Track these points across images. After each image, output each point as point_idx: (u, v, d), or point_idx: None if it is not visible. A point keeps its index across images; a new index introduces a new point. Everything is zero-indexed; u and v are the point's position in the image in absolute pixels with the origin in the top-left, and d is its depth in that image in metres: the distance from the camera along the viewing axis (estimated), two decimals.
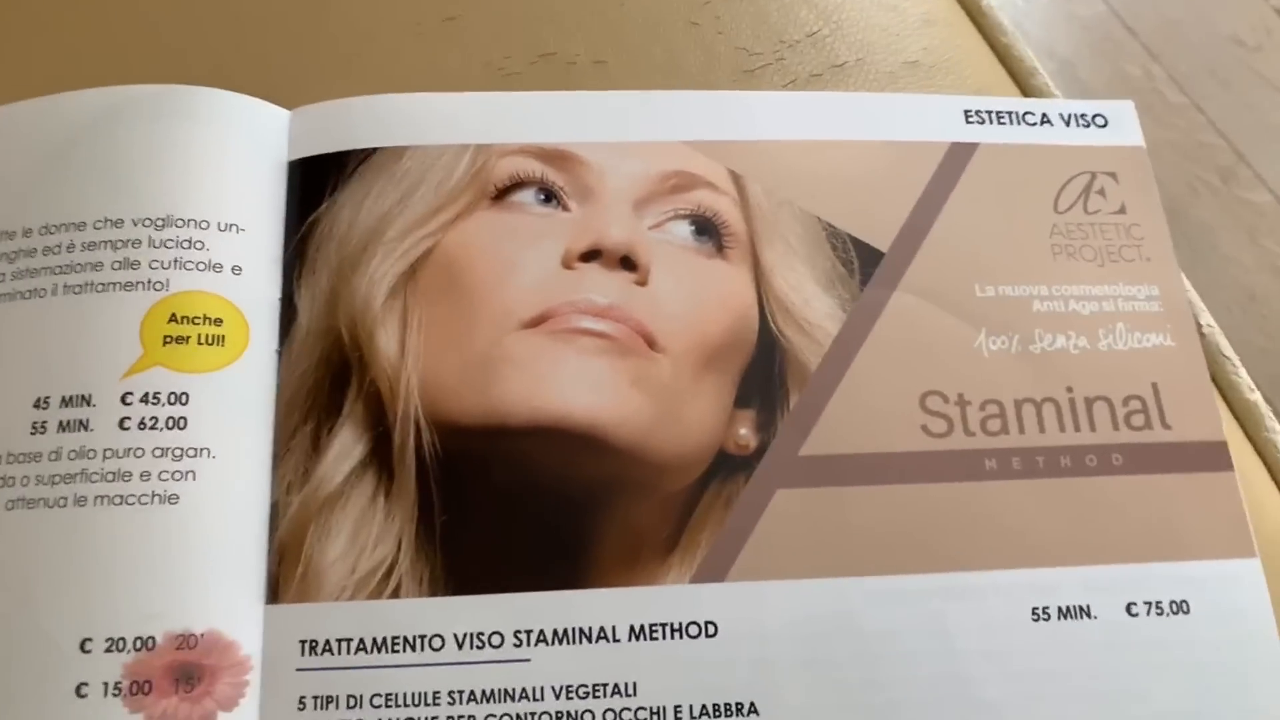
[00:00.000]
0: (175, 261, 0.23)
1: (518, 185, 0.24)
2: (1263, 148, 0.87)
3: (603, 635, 0.21)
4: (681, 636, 0.21)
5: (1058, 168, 0.25)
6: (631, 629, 0.21)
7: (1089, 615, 0.22)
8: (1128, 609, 0.22)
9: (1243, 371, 0.26)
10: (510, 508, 0.22)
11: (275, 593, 0.21)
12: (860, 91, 0.26)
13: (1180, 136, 0.88)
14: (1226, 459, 0.23)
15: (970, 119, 0.26)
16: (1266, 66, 0.90)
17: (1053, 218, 0.25)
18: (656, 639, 0.21)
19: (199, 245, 0.23)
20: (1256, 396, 0.26)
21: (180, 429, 0.22)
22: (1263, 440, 0.25)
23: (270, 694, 0.20)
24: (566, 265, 0.23)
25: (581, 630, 0.21)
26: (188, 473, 0.21)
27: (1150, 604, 0.22)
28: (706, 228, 0.24)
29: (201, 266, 0.23)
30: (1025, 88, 0.28)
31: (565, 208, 0.24)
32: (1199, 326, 0.26)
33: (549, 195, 0.24)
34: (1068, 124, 0.26)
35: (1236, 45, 0.92)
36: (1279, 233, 0.85)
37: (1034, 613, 0.22)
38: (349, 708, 0.20)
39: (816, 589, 0.21)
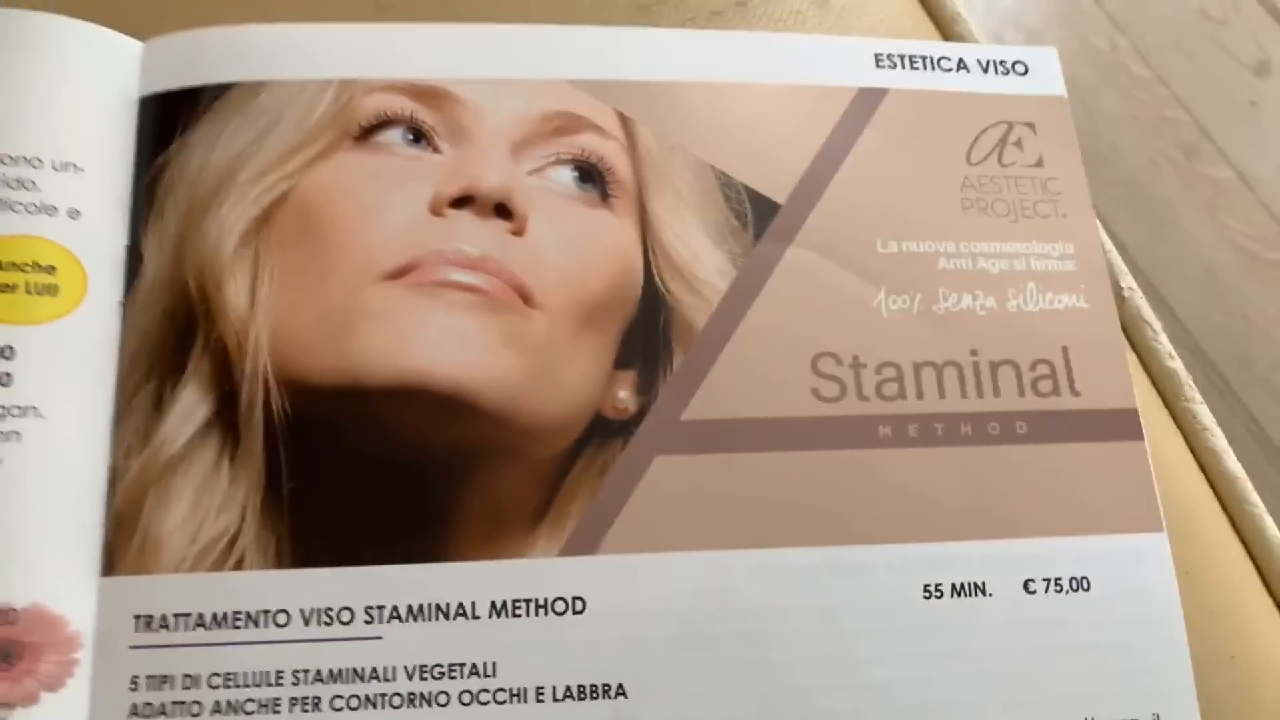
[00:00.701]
0: (2, 203, 0.21)
1: (384, 124, 0.22)
2: (1226, 123, 0.87)
3: (461, 612, 0.20)
4: (547, 613, 0.20)
5: (972, 117, 0.24)
6: (493, 605, 0.20)
7: (984, 593, 0.20)
8: (1025, 586, 0.20)
9: (1163, 338, 0.25)
10: (365, 474, 0.20)
11: (110, 564, 0.20)
12: (763, 31, 0.25)
13: (1144, 110, 0.87)
14: (1137, 428, 0.22)
15: (881, 63, 0.24)
16: (1232, 41, 0.89)
17: (964, 170, 0.23)
18: (519, 616, 0.20)
19: (30, 185, 0.21)
20: (1176, 363, 0.24)
21: (4, 386, 0.20)
22: (1181, 409, 0.24)
23: (101, 673, 0.19)
24: (435, 212, 0.21)
25: (438, 606, 0.20)
26: (12, 434, 0.20)
27: (1049, 581, 0.20)
28: (591, 174, 0.22)
29: (33, 209, 0.21)
30: (948, 34, 0.27)
31: (436, 149, 0.22)
32: (1120, 289, 0.24)
33: (418, 135, 0.22)
34: (985, 70, 0.24)
35: (1203, 19, 0.90)
36: (1240, 210, 0.84)
37: (926, 590, 0.20)
38: (184, 688, 0.19)
39: (695, 562, 0.20)
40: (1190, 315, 0.81)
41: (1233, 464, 0.24)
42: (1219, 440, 0.24)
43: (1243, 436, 0.77)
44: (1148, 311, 0.25)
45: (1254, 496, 0.24)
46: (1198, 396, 0.24)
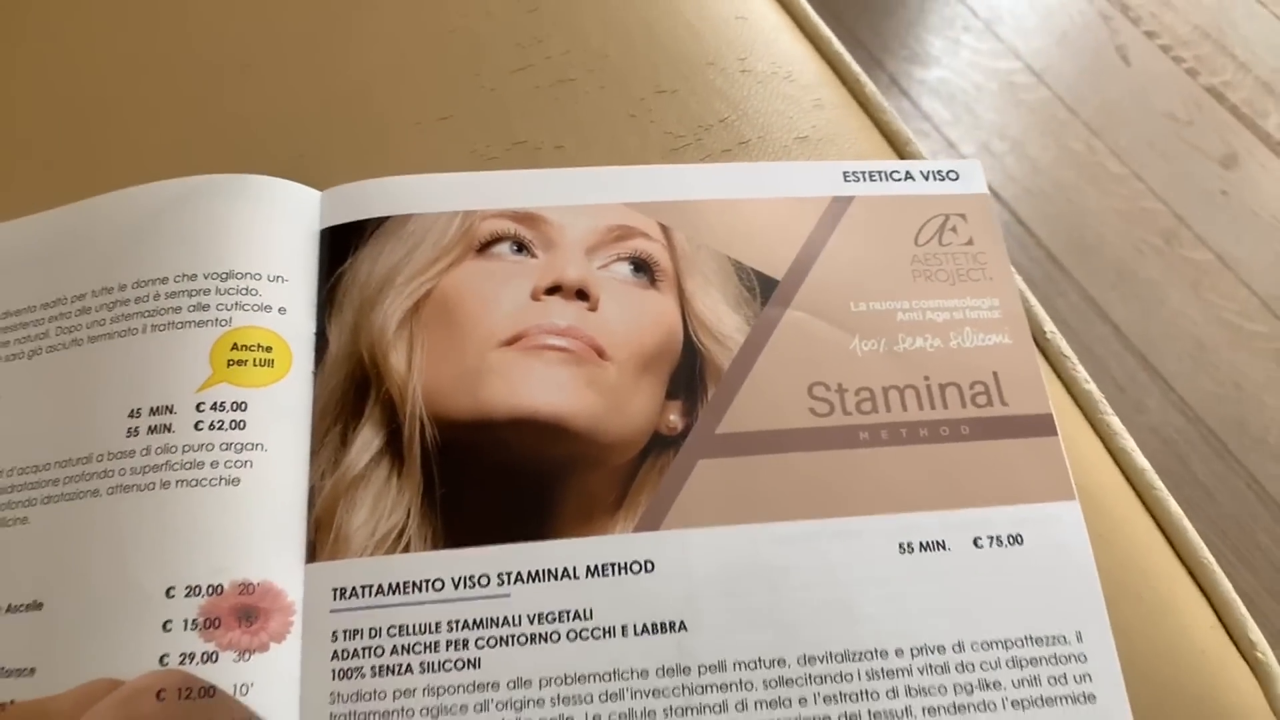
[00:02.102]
0: (236, 304, 0.29)
1: (497, 240, 0.31)
2: (1200, 211, 0.94)
3: (566, 574, 0.26)
4: (626, 573, 0.26)
5: (918, 211, 0.32)
6: (588, 568, 0.26)
7: (944, 548, 0.27)
8: (974, 542, 0.27)
9: (1080, 368, 0.32)
10: (494, 480, 0.27)
11: (313, 553, 0.26)
12: (760, 161, 0.34)
13: (1123, 204, 0.95)
14: (1052, 427, 0.29)
15: (848, 178, 0.33)
16: (1199, 138, 0.98)
17: (913, 249, 0.32)
18: (607, 575, 0.26)
19: (254, 292, 0.29)
20: (1091, 386, 0.32)
21: (240, 429, 0.27)
22: (1098, 420, 0.32)
23: (310, 629, 0.25)
24: (535, 298, 0.29)
25: (549, 571, 0.26)
26: (246, 462, 0.27)
27: (992, 538, 0.27)
28: (642, 267, 0.31)
29: (256, 308, 0.29)
30: (902, 154, 0.36)
31: (533, 255, 0.31)
32: (1044, 332, 0.32)
33: (521, 246, 0.31)
34: (927, 179, 0.33)
35: (1171, 120, 0.99)
36: (1221, 287, 0.90)
37: (900, 547, 0.27)
38: (370, 637, 0.25)
39: (730, 534, 0.27)
40: (1185, 387, 0.86)
41: (1140, 459, 0.31)
42: (1129, 442, 0.31)
43: (1244, 494, 0.81)
44: (1066, 347, 0.33)
45: (1158, 482, 0.31)
46: (1110, 410, 0.32)
